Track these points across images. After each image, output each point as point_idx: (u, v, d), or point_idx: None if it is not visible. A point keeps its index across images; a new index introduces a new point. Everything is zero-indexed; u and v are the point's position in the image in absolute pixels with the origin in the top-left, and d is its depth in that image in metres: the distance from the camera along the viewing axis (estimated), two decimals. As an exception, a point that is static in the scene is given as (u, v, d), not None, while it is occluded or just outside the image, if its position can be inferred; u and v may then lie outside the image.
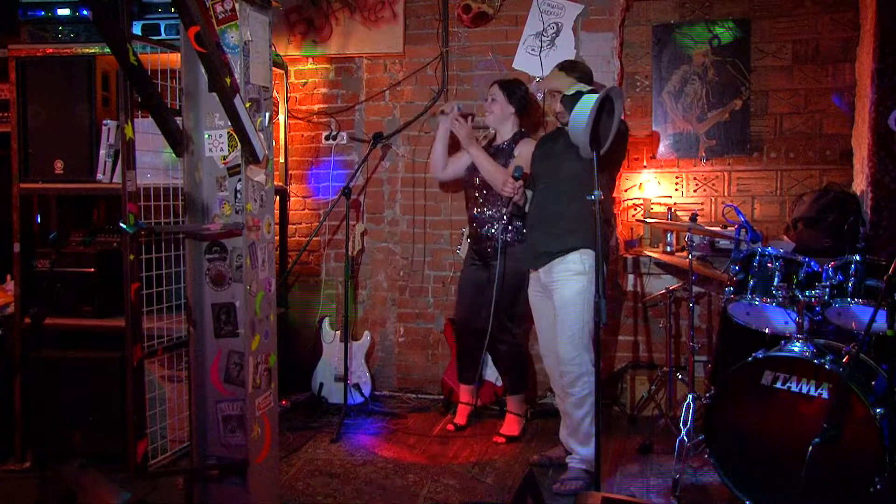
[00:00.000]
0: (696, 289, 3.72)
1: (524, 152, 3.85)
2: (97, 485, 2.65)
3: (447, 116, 4.07)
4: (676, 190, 4.43)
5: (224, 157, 2.72)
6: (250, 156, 2.67)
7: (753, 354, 3.06)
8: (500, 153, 3.96)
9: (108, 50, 2.77)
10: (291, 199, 4.82)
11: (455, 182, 4.32)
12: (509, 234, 3.90)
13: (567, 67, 3.52)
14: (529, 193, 3.66)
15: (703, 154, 4.38)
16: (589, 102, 2.93)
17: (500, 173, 3.80)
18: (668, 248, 4.21)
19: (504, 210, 3.85)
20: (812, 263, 3.14)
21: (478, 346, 4.17)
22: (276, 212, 4.04)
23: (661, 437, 3.80)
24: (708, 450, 3.10)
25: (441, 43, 4.60)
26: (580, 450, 3.37)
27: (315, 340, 4.72)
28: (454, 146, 4.14)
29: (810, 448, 2.75)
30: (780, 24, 4.25)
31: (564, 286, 3.33)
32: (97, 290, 3.60)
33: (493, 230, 3.94)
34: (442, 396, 4.53)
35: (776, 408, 2.95)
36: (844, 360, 2.94)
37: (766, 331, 3.35)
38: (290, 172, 4.79)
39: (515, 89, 3.99)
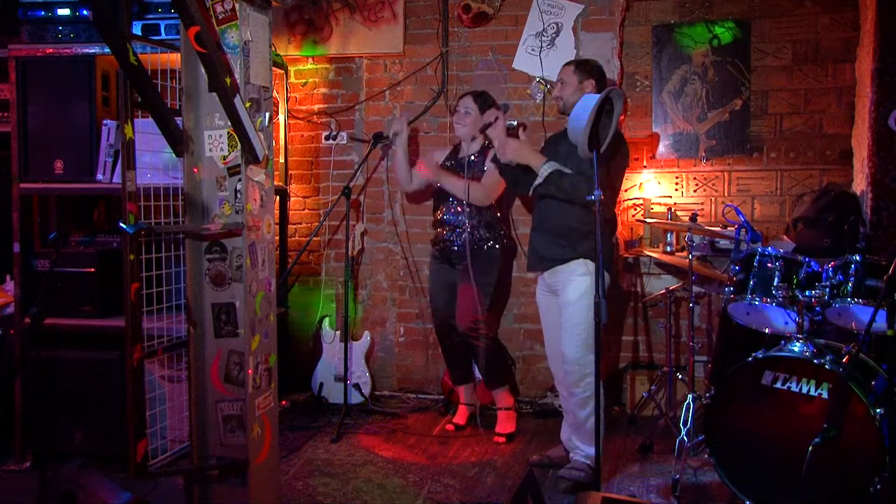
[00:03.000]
0: (696, 289, 3.72)
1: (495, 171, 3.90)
2: (97, 485, 2.66)
3: (401, 136, 4.17)
4: (676, 190, 4.43)
5: (224, 157, 2.72)
6: (250, 156, 2.67)
7: (753, 354, 3.06)
8: (469, 166, 4.00)
9: (108, 50, 2.77)
10: (291, 199, 4.82)
11: (421, 192, 4.44)
12: (479, 239, 3.99)
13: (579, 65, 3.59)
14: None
15: (703, 154, 4.38)
16: (589, 103, 2.93)
17: (462, 186, 3.93)
18: (668, 248, 4.21)
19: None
20: (812, 263, 3.14)
21: (459, 345, 4.17)
22: (276, 212, 4.04)
23: (661, 437, 3.80)
24: (708, 450, 3.10)
25: (441, 43, 4.60)
26: (584, 447, 3.39)
27: (315, 340, 4.73)
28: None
29: (810, 448, 2.75)
30: (780, 24, 4.25)
31: (570, 286, 3.36)
32: (97, 290, 3.60)
33: (462, 235, 3.99)
34: (442, 396, 4.54)
35: (776, 408, 2.95)
36: (844, 360, 2.94)
37: (766, 331, 3.35)
38: (290, 172, 4.79)
39: (487, 101, 4.04)
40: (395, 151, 4.25)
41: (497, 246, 4.02)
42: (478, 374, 4.29)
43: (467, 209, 3.99)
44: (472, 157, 4.03)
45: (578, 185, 3.25)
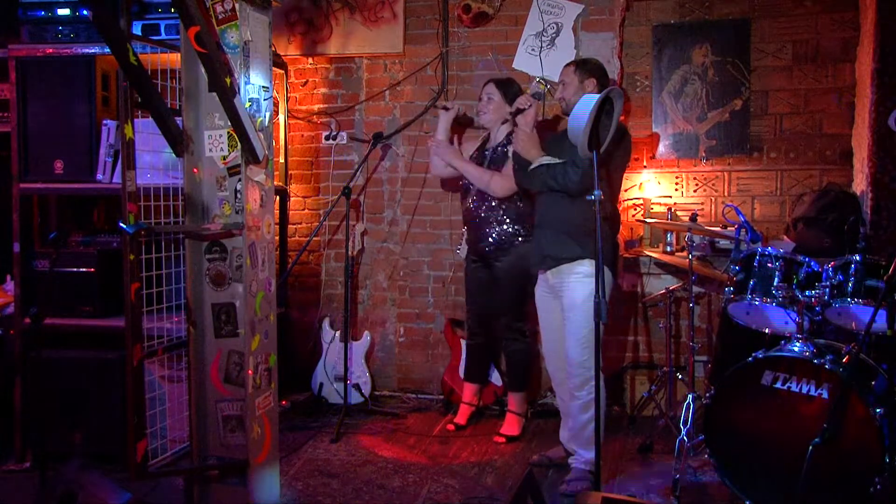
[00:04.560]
0: (696, 289, 3.72)
1: None
2: (97, 485, 2.66)
3: (448, 112, 4.14)
4: (676, 190, 4.43)
5: (224, 157, 2.72)
6: (250, 156, 2.67)
7: (753, 354, 3.06)
8: (497, 157, 3.97)
9: (108, 50, 2.78)
10: (291, 199, 4.82)
11: (454, 180, 4.32)
12: (508, 234, 3.92)
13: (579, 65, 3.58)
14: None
15: (703, 154, 4.38)
16: (589, 102, 2.93)
17: (478, 175, 3.92)
18: (668, 248, 4.21)
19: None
20: (812, 263, 3.14)
21: (488, 345, 4.18)
22: (276, 212, 4.04)
23: (661, 437, 3.80)
24: (708, 450, 3.10)
25: (441, 43, 4.60)
26: (583, 452, 3.37)
27: (315, 340, 4.73)
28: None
29: (810, 448, 2.75)
30: (780, 24, 4.25)
31: (574, 288, 3.33)
32: (97, 290, 3.60)
33: (489, 230, 3.95)
34: (442, 396, 4.54)
35: (776, 408, 2.95)
36: (844, 360, 2.94)
37: (766, 331, 3.35)
38: (290, 172, 4.79)
39: (510, 87, 4.02)
40: (438, 128, 4.21)
41: (527, 240, 3.94)
42: (490, 378, 4.30)
43: (494, 203, 3.94)
44: (498, 148, 3.98)
45: (570, 174, 3.25)
